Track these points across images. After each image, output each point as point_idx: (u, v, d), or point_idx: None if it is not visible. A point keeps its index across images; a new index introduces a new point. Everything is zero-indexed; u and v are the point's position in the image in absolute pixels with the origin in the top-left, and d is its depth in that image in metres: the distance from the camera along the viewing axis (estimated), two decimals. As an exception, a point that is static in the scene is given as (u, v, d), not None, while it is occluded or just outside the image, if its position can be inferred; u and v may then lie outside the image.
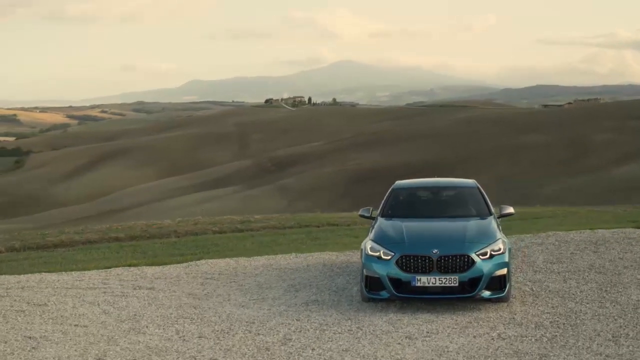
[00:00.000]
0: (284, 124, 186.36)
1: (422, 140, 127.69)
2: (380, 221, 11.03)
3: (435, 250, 9.65)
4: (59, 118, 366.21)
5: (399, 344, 8.36)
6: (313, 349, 8.29)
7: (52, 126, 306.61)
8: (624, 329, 8.64)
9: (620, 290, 10.56)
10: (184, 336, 9.05)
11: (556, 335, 8.48)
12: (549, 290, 10.69)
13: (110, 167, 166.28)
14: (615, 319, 9.06)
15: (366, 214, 11.54)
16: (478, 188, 11.59)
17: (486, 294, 9.68)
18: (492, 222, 10.62)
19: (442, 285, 9.56)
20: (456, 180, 12.69)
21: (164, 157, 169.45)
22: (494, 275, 9.68)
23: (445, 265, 9.61)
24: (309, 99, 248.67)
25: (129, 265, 14.35)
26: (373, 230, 10.72)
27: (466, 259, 9.62)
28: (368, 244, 10.24)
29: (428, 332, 8.73)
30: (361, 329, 8.99)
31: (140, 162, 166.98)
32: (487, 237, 10.00)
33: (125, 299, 11.30)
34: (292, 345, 8.49)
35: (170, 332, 9.25)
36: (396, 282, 9.73)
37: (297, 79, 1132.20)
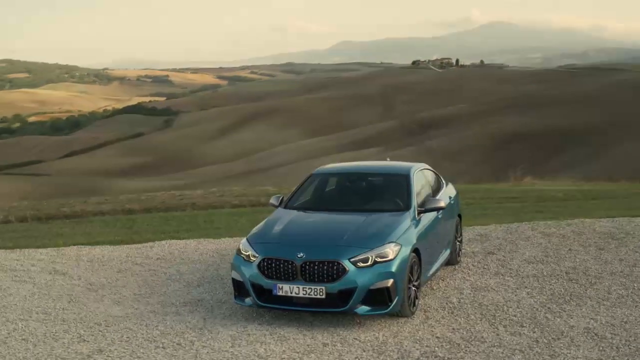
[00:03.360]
0: (430, 86, 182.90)
1: (570, 104, 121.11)
2: (275, 213, 9.38)
3: (301, 254, 7.85)
4: (210, 79, 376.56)
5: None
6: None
7: (202, 87, 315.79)
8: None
9: (569, 309, 8.36)
10: (8, 338, 7.95)
11: (406, 373, 6.55)
12: (479, 304, 8.63)
13: (257, 127, 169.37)
14: (510, 356, 6.96)
15: (276, 203, 9.74)
16: (407, 176, 9.46)
17: (363, 309, 7.78)
18: (400, 220, 8.57)
19: (308, 296, 7.72)
20: (391, 165, 10.54)
21: (309, 118, 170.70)
22: (373, 287, 7.73)
23: (310, 273, 7.80)
24: (457, 61, 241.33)
25: (88, 244, 13.47)
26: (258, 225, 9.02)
27: (335, 267, 7.75)
28: (241, 242, 8.55)
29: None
30: (192, 344, 7.49)
31: (286, 123, 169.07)
32: (375, 240, 8.02)
33: (22, 285, 10.43)
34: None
35: (4, 332, 8.19)
36: (258, 289, 8.05)
37: (448, 40, 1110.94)
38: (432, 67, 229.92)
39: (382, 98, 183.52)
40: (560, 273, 9.93)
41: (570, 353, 6.94)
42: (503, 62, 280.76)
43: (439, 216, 9.57)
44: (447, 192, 10.64)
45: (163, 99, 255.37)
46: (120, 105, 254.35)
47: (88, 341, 7.72)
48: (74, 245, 13.34)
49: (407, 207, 8.87)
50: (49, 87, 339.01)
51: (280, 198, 9.76)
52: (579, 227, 13.05)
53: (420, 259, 8.46)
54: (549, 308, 8.36)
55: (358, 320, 8.07)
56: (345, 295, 7.70)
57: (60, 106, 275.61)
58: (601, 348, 7.05)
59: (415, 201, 8.99)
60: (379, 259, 7.81)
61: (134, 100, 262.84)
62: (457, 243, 10.81)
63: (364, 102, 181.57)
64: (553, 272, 9.97)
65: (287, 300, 7.87)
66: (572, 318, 7.98)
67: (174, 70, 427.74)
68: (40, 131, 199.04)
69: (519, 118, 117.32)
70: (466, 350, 7.08)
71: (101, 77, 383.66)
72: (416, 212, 8.85)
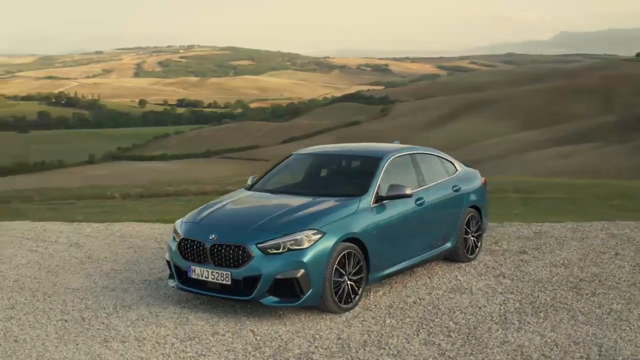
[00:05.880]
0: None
1: None
2: (229, 194, 8.99)
3: (213, 236, 7.36)
4: (429, 68, 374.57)
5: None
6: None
7: (421, 76, 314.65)
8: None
9: (528, 321, 7.07)
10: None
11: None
12: (433, 307, 7.61)
13: (472, 118, 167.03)
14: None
15: (249, 184, 9.22)
16: (379, 160, 8.52)
17: (270, 300, 7.13)
18: (342, 206, 7.70)
19: (217, 281, 7.23)
20: (371, 148, 9.42)
21: (526, 110, 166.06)
22: (280, 277, 7.04)
23: (219, 256, 7.30)
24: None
25: (144, 221, 13.86)
26: None
27: (241, 251, 7.16)
28: (176, 222, 8.18)
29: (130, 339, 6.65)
30: (95, 320, 7.36)
31: (501, 114, 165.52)
32: (292, 226, 7.29)
33: (29, 254, 10.90)
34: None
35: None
36: (178, 271, 7.70)
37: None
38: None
39: (602, 91, 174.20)
40: (573, 280, 8.56)
41: (466, 371, 5.91)
42: None
43: (422, 206, 8.56)
44: (453, 181, 9.50)
45: (381, 87, 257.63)
46: (339, 94, 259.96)
47: (14, 309, 7.86)
48: (131, 221, 13.70)
49: (363, 193, 8.00)
50: (271, 74, 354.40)
51: (255, 179, 9.25)
52: (658, 229, 11.40)
53: (366, 252, 7.61)
54: (505, 318, 7.16)
55: (281, 313, 7.43)
56: (250, 283, 7.11)
57: (281, 93, 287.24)
58: (509, 369, 5.92)
59: (376, 188, 8.09)
60: (293, 247, 7.11)
61: (353, 89, 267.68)
62: (471, 238, 9.67)
63: (583, 95, 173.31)
64: (565, 279, 8.61)
65: (203, 284, 7.44)
66: (518, 332, 6.76)
67: (394, 59, 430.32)
68: (261, 117, 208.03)
69: None
70: (349, 357, 6.22)
71: (322, 65, 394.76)
72: (372, 200, 7.96)
